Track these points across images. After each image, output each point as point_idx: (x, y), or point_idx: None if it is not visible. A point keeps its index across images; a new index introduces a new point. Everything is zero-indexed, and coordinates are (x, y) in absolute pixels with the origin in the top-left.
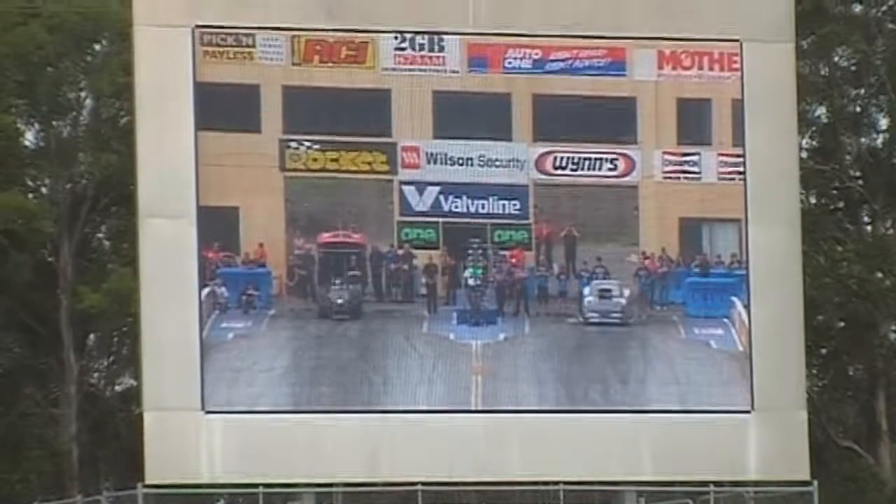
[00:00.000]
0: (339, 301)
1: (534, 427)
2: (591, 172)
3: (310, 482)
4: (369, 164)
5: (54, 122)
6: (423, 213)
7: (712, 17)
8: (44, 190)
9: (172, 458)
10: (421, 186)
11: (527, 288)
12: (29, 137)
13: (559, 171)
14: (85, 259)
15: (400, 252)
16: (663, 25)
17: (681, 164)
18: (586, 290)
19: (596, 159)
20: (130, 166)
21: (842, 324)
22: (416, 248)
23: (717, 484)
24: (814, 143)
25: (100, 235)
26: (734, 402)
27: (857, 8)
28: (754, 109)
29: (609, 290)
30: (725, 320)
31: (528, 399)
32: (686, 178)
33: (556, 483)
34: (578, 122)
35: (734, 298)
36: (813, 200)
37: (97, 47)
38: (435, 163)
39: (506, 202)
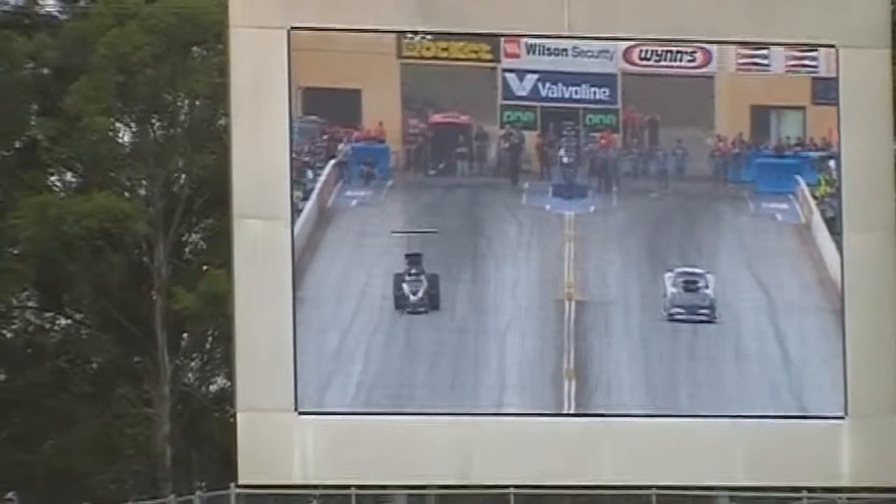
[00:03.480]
0: (413, 297)
1: (626, 430)
2: (673, 63)
3: (402, 484)
4: (476, 52)
5: (151, 123)
6: (522, 98)
7: (808, 24)
8: (140, 191)
9: (265, 458)
10: (521, 74)
11: (614, 166)
12: (125, 138)
13: (644, 62)
14: (179, 260)
15: (502, 132)
16: (760, 30)
17: (752, 57)
18: (668, 280)
19: (677, 52)
20: (225, 167)
21: None
22: (517, 128)
23: (810, 490)
24: None
25: (194, 236)
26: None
27: None
28: (849, 115)
29: (695, 282)
30: (791, 196)
31: (622, 398)
32: (757, 69)
33: (649, 487)
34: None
35: (798, 177)
36: None
37: (193, 49)
38: (533, 53)
39: (596, 89)
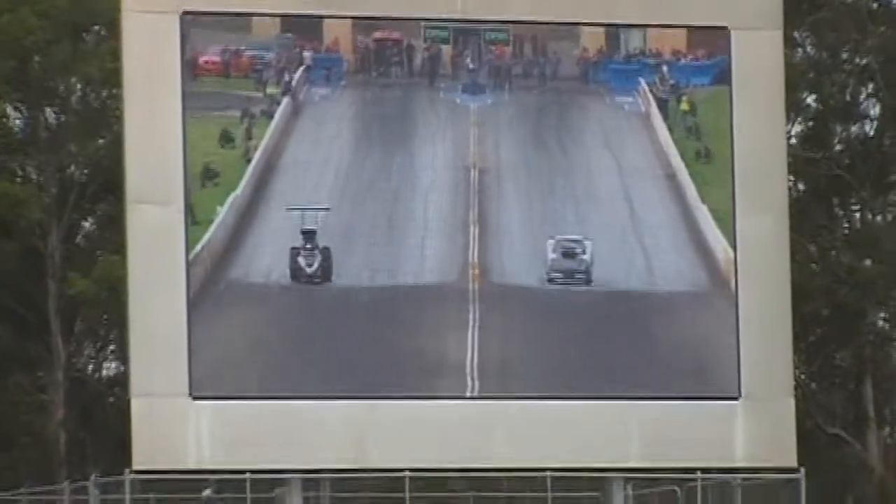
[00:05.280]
0: (309, 269)
1: (522, 413)
2: None
3: (297, 468)
4: None
5: (44, 109)
6: (440, 20)
7: (700, 5)
8: (33, 176)
9: (160, 444)
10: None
11: (507, 70)
12: (18, 124)
13: None
14: (73, 245)
15: (425, 45)
16: (652, 13)
17: None
18: (549, 247)
19: None
20: (119, 153)
21: (830, 312)
22: (436, 43)
23: (705, 471)
24: (804, 130)
25: (88, 222)
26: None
27: None
28: (742, 97)
29: (573, 249)
30: (634, 92)
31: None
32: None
33: (544, 470)
34: None
35: (640, 78)
36: (802, 188)
37: (86, 34)
38: None
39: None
